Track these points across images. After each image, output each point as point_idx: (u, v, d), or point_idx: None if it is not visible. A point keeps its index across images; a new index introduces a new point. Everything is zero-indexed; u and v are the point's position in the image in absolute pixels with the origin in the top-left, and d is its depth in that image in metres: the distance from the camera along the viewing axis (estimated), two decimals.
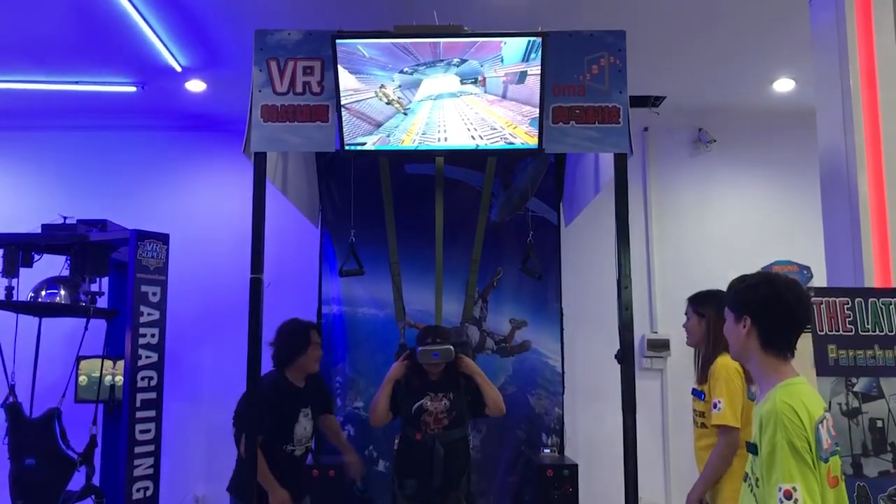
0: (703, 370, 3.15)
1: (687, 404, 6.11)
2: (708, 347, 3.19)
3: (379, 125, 3.30)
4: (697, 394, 3.23)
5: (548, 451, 5.12)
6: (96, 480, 4.42)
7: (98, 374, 4.59)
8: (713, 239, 6.07)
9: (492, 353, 5.28)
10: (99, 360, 4.62)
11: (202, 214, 5.99)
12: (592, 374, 5.78)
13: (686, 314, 3.33)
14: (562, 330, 5.34)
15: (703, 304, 3.25)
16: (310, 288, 5.49)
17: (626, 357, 3.29)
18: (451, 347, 3.54)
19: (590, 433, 5.75)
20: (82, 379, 4.77)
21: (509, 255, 5.32)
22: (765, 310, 2.01)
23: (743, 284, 2.08)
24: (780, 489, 1.81)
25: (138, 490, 4.15)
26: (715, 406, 3.02)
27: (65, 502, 4.17)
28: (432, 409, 3.59)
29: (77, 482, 4.26)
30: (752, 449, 1.95)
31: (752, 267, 5.43)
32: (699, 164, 6.20)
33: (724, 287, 3.07)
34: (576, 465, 4.75)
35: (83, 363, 4.74)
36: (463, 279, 5.13)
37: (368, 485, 5.07)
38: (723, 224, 6.11)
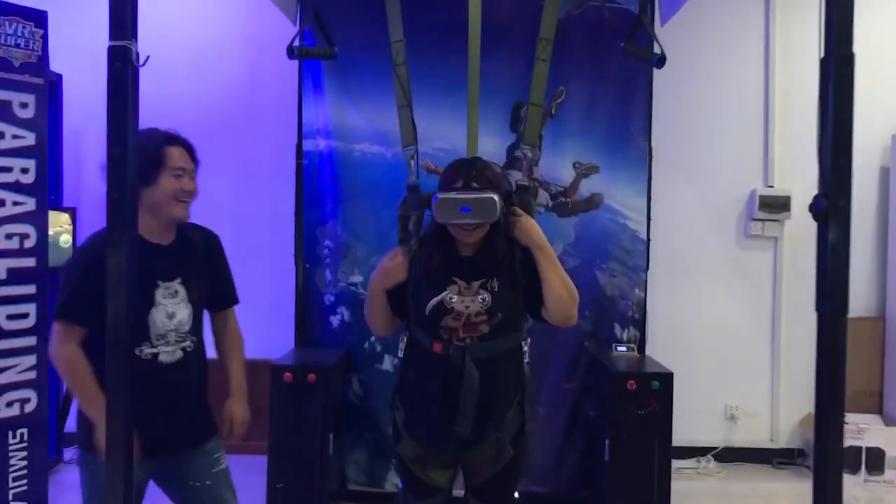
0: None
1: (809, 286, 4.65)
2: None
3: None
4: None
5: (623, 348, 3.62)
6: None
7: None
8: (869, 48, 4.21)
9: (546, 212, 3.69)
10: None
11: None
12: (680, 244, 4.24)
13: None
14: (650, 179, 3.70)
15: None
16: (290, 115, 3.89)
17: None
18: (495, 197, 1.93)
19: (672, 324, 4.24)
20: None
21: (576, 68, 3.63)
22: None
23: None
24: None
25: (10, 405, 2.74)
26: None
27: None
28: (461, 309, 2.02)
29: None
30: None
31: None
32: None
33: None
34: (670, 375, 3.26)
35: None
36: (508, 101, 3.63)
37: (370, 390, 3.67)
38: (886, 27, 4.28)
